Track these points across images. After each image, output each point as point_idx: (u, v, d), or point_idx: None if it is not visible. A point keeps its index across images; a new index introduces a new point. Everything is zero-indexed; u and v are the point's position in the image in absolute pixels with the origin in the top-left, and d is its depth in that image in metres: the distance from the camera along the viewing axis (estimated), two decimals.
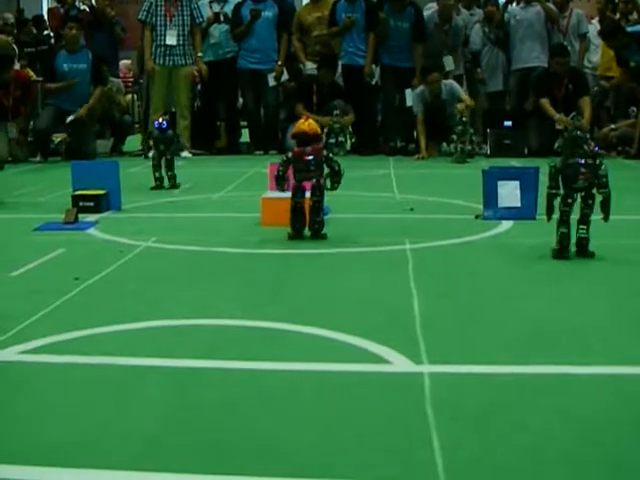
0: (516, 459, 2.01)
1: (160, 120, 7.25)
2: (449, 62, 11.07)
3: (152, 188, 7.23)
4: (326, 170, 4.95)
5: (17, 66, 11.32)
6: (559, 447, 2.07)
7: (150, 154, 7.47)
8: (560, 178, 4.26)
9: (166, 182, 7.31)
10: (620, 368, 2.68)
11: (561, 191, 4.27)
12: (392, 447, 2.09)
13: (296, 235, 4.98)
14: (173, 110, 11.32)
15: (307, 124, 4.99)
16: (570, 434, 2.15)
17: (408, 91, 10.80)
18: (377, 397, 2.44)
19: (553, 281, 3.95)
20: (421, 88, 10.49)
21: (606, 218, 4.26)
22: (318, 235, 4.97)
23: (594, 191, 4.24)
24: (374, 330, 3.07)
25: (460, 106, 10.10)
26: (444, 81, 10.53)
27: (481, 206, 5.63)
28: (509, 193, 5.54)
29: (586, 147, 4.19)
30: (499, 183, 5.57)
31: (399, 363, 2.73)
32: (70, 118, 10.25)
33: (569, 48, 10.84)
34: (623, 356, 2.79)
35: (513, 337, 3.02)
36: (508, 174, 5.70)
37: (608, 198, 4.24)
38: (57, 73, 10.52)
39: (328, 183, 4.96)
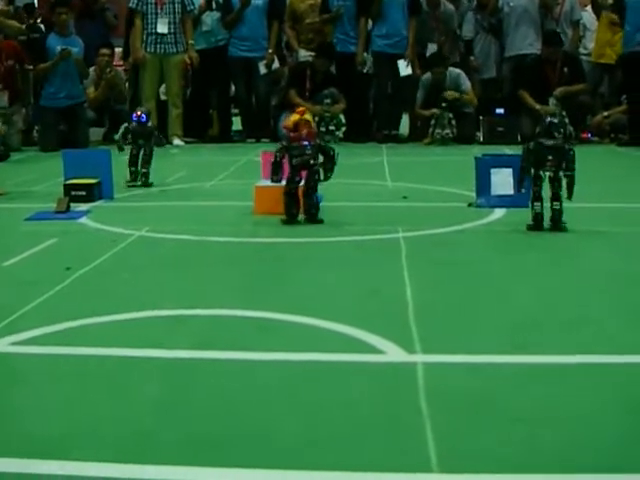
0: (510, 449, 2.00)
1: (139, 113, 6.81)
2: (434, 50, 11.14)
3: (128, 182, 6.70)
4: (320, 159, 4.95)
5: None
6: (553, 437, 2.06)
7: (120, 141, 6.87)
8: (531, 159, 4.62)
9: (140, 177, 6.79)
10: (614, 357, 2.67)
11: (532, 170, 4.63)
12: (385, 437, 2.08)
13: (290, 220, 4.97)
14: (164, 99, 11.29)
15: (299, 118, 4.99)
16: (564, 424, 2.15)
17: (401, 62, 10.81)
18: (370, 387, 2.44)
19: (546, 269, 3.94)
20: (426, 76, 10.64)
21: (570, 197, 4.57)
22: (314, 220, 4.98)
23: (560, 174, 4.57)
24: (367, 319, 3.06)
25: (449, 94, 10.29)
26: (451, 69, 10.65)
27: (474, 194, 5.62)
28: (502, 181, 5.52)
29: (557, 134, 4.55)
30: (492, 171, 5.56)
31: (392, 352, 2.73)
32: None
33: (562, 35, 10.86)
34: (617, 345, 2.79)
35: (507, 326, 3.01)
36: (501, 161, 5.69)
37: (572, 180, 4.56)
38: (49, 55, 10.35)
39: (322, 174, 4.97)
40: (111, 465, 1.94)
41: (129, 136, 6.76)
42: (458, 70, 10.79)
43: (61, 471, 1.91)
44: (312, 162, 4.95)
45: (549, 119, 4.63)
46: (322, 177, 4.99)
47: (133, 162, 6.80)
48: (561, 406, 2.27)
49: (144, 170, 6.79)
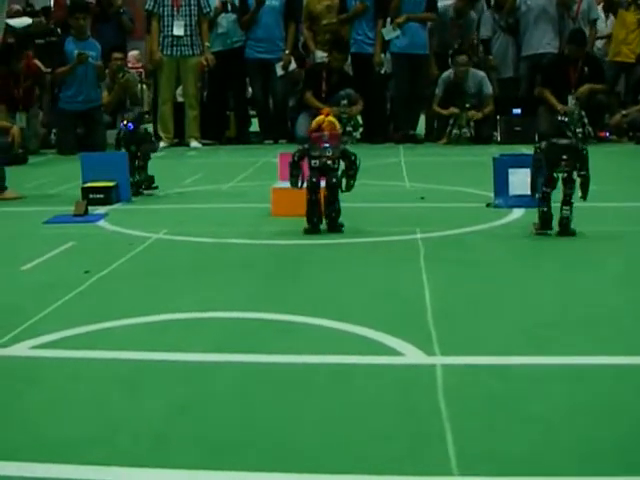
0: (529, 451, 1.99)
1: (125, 122, 6.43)
2: None
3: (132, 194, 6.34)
4: (342, 165, 4.83)
5: None
6: (572, 438, 2.05)
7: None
8: (544, 159, 4.49)
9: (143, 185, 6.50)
10: (632, 358, 2.65)
11: (544, 171, 4.51)
12: (404, 439, 2.07)
13: (312, 229, 4.80)
14: (180, 101, 11.31)
15: (323, 119, 4.91)
16: (583, 425, 2.13)
17: (387, 28, 10.78)
18: (389, 389, 2.43)
19: (564, 270, 3.92)
20: (447, 73, 10.62)
21: (584, 197, 4.46)
22: (334, 227, 4.81)
23: (574, 175, 4.46)
24: (386, 321, 3.06)
25: (471, 114, 10.38)
26: (475, 70, 10.62)
27: (492, 194, 5.60)
28: (520, 181, 5.49)
29: (570, 133, 4.47)
30: (510, 171, 5.53)
31: (411, 355, 2.72)
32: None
33: None
34: (635, 346, 2.77)
35: (525, 327, 2.99)
36: (519, 161, 5.66)
37: (586, 180, 4.45)
38: (67, 58, 10.41)
39: (344, 184, 4.80)
40: (128, 469, 1.94)
41: (122, 142, 6.49)
42: (482, 73, 10.76)
43: (78, 475, 1.92)
44: (331, 165, 4.79)
45: (561, 118, 4.59)
46: (344, 187, 4.79)
47: (130, 172, 6.37)
48: (580, 407, 2.25)
49: (138, 178, 6.44)
